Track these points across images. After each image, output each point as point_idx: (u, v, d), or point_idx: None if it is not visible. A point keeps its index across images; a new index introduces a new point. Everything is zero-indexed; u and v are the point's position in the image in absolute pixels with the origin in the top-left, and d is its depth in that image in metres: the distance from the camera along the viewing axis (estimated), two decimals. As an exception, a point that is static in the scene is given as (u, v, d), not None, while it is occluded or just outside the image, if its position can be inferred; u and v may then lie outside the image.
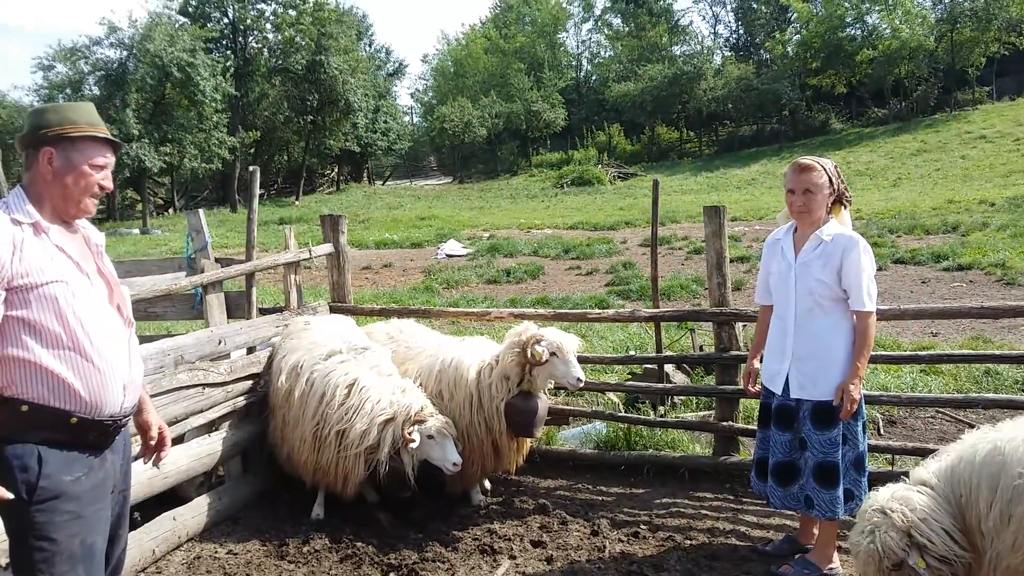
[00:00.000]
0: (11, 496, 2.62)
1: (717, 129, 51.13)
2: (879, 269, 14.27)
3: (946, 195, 24.12)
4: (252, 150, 39.36)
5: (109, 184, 2.92)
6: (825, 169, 4.27)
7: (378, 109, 45.39)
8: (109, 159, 2.90)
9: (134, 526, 4.61)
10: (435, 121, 49.97)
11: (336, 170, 48.52)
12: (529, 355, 4.94)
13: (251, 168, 5.82)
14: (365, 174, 51.46)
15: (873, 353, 5.44)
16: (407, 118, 60.09)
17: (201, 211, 6.10)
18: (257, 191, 5.69)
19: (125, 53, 34.24)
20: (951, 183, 28.27)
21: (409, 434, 4.73)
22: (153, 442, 3.22)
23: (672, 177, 39.81)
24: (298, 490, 5.39)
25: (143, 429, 3.21)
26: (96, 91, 33.75)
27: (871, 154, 37.42)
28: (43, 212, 2.81)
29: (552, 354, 4.95)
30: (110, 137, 2.89)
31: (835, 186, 4.31)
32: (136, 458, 3.78)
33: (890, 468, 5.35)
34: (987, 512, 3.15)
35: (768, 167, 38.73)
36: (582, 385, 5.02)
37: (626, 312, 5.99)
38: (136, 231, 29.55)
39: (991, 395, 5.39)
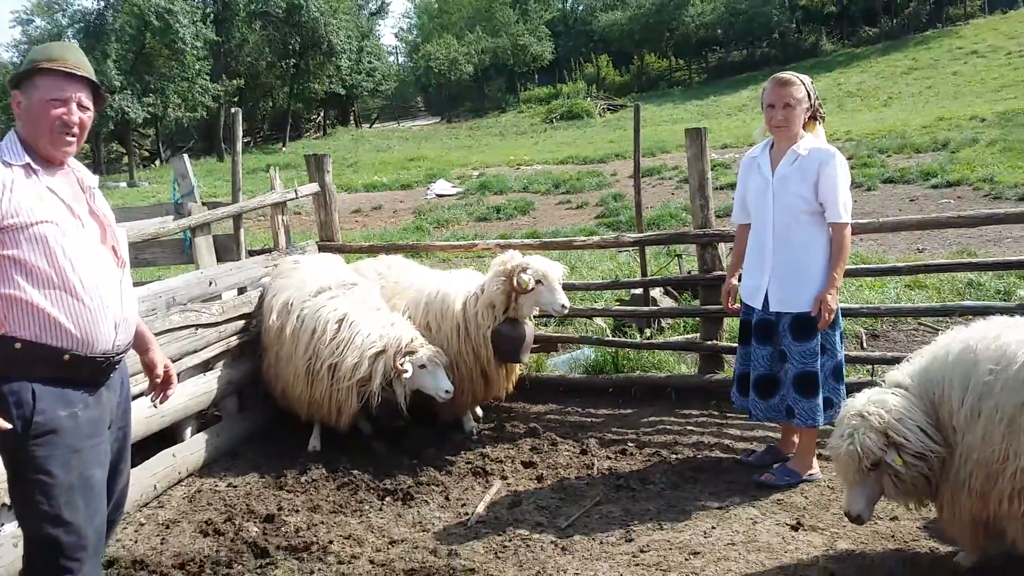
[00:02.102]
0: (8, 426, 2.72)
1: (706, 56, 50.43)
2: (868, 189, 14.37)
3: (937, 112, 23.97)
4: (236, 98, 38.79)
5: (71, 117, 2.87)
6: (803, 83, 4.34)
7: (362, 50, 44.59)
8: (69, 92, 2.87)
9: (134, 464, 4.77)
10: (420, 60, 49.23)
11: (322, 114, 47.93)
12: (515, 283, 5.02)
13: (233, 110, 5.82)
14: (352, 117, 50.80)
15: (855, 266, 5.58)
16: (392, 58, 59.09)
17: (186, 156, 6.13)
18: (240, 133, 5.72)
19: (103, 3, 33.63)
20: (942, 100, 28.07)
21: (401, 365, 4.84)
22: (159, 380, 3.30)
23: (662, 107, 39.43)
24: (294, 425, 5.52)
25: (149, 368, 3.29)
26: (76, 44, 33.19)
27: (862, 74, 37.02)
28: (33, 155, 2.86)
29: (538, 282, 5.03)
30: (66, 69, 2.85)
31: (811, 101, 4.37)
32: (142, 395, 3.93)
33: (870, 378, 5.48)
34: (959, 408, 3.28)
35: (758, 92, 37.64)
36: (567, 312, 5.12)
37: (611, 238, 6.09)
38: (123, 184, 29.31)
39: (968, 303, 5.50)
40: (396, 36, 67.49)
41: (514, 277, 5.04)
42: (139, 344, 3.28)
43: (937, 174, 14.67)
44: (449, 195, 19.93)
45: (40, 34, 34.18)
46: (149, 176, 33.11)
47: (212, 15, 36.78)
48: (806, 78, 4.38)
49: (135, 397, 3.76)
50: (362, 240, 13.05)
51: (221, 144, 37.29)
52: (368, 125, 51.41)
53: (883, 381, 3.61)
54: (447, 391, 4.94)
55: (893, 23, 44.62)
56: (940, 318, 6.34)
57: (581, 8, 57.49)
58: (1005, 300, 7.06)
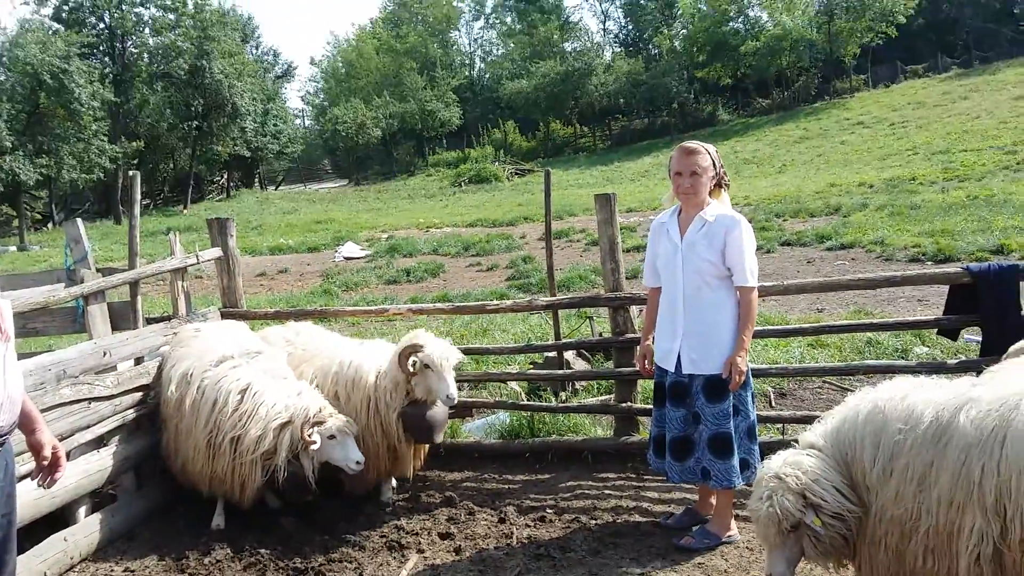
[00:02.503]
0: None
1: (610, 123, 52.01)
2: (767, 252, 14.86)
3: (828, 179, 25.17)
4: (136, 159, 37.78)
5: None
6: (709, 152, 4.46)
7: (267, 112, 44.33)
8: None
9: (22, 550, 4.41)
10: (328, 123, 49.20)
11: (226, 176, 47.15)
12: (405, 368, 4.95)
13: (131, 173, 5.61)
14: (257, 179, 50.20)
15: (761, 328, 5.69)
16: (299, 121, 58.93)
17: (80, 220, 5.85)
18: (138, 197, 5.50)
19: (-8, 61, 32.57)
20: (832, 167, 29.50)
21: (309, 436, 4.66)
22: (46, 462, 3.07)
23: (568, 171, 40.29)
24: (196, 502, 5.22)
25: (36, 449, 3.06)
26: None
27: (757, 143, 38.73)
28: None
29: (425, 366, 4.93)
30: None
31: (717, 169, 4.49)
32: (29, 476, 3.65)
33: (781, 437, 5.55)
34: (871, 467, 3.31)
35: (660, 159, 39.60)
36: (455, 402, 5.01)
37: (523, 301, 6.06)
38: (13, 248, 28.04)
39: (870, 362, 5.67)
40: (303, 99, 67.26)
41: (403, 360, 4.96)
42: (25, 423, 3.05)
43: (831, 237, 15.30)
44: (358, 258, 19.74)
45: (-74, 92, 32.73)
46: (41, 239, 31.81)
47: (111, 75, 35.96)
48: (711, 147, 4.52)
49: (21, 478, 3.50)
50: (268, 306, 12.82)
51: (119, 206, 36.19)
52: (274, 187, 50.86)
53: (796, 443, 3.63)
54: (358, 462, 4.76)
55: (785, 95, 47.03)
56: (844, 377, 6.49)
57: (488, 76, 58.69)
58: (903, 357, 7.32)
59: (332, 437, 4.75)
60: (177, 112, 37.98)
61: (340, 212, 33.19)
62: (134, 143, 36.38)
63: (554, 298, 6.05)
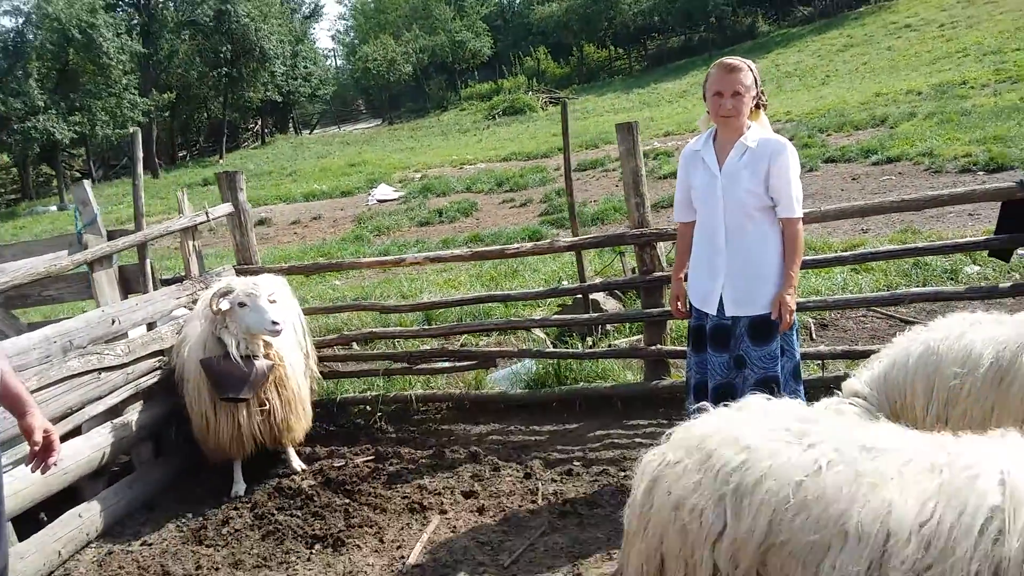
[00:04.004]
0: None
1: (645, 43, 50.48)
2: (810, 170, 14.27)
3: (874, 88, 24.10)
4: (167, 112, 37.76)
5: None
6: (751, 69, 4.01)
7: (296, 55, 43.77)
8: None
9: (39, 527, 4.35)
10: (358, 62, 48.55)
11: (260, 123, 46.95)
12: (213, 309, 4.70)
13: (132, 130, 5.38)
14: (291, 124, 49.98)
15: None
16: (329, 62, 58.22)
17: (87, 182, 5.67)
18: (140, 155, 5.29)
19: (21, 20, 32.44)
20: (878, 76, 28.26)
21: (216, 305, 4.62)
22: (37, 447, 2.92)
23: (603, 96, 39.33)
24: (217, 468, 5.14)
25: (26, 433, 2.91)
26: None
27: (799, 54, 37.26)
28: None
29: (241, 304, 4.67)
30: None
31: (757, 87, 4.07)
32: (25, 464, 3.52)
33: (822, 374, 5.26)
34: (923, 416, 3.04)
35: (699, 78, 38.10)
36: (280, 328, 4.65)
37: (544, 243, 5.75)
38: (53, 208, 28.30)
39: (916, 290, 5.29)
40: (333, 39, 66.52)
41: (212, 303, 4.71)
42: (15, 406, 2.90)
43: (877, 151, 14.62)
44: (391, 200, 19.48)
45: (-43, 57, 32.88)
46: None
47: (138, 27, 35.70)
48: (752, 63, 4.07)
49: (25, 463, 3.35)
50: (299, 256, 12.73)
51: (155, 160, 36.30)
52: (308, 131, 50.61)
53: (839, 390, 3.34)
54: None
55: (827, 1, 45.05)
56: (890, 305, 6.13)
57: (518, 1, 57.20)
58: (953, 279, 6.91)
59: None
60: (206, 60, 37.69)
61: (373, 153, 32.83)
62: (165, 94, 36.28)
63: (576, 238, 5.74)
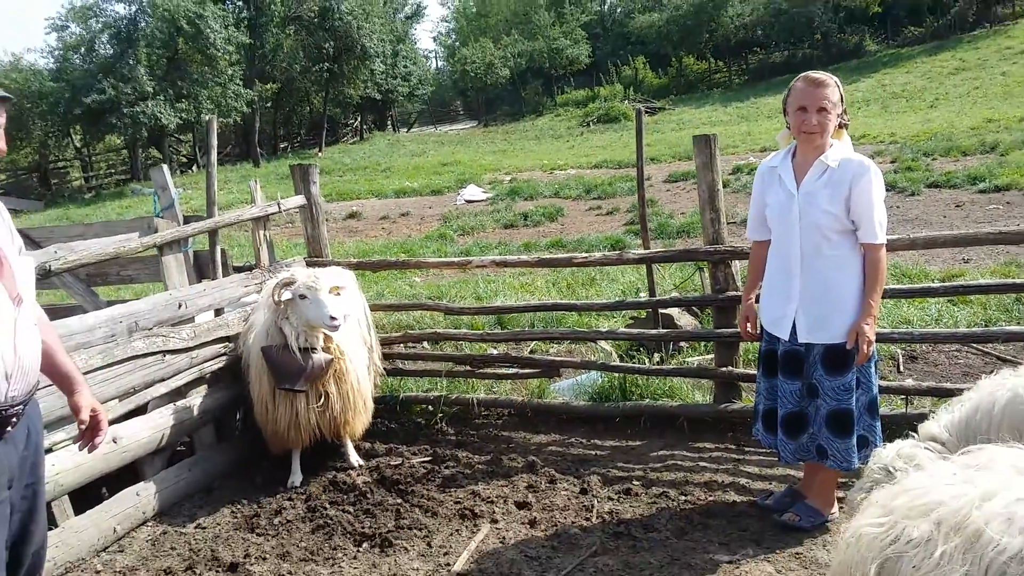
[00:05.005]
0: None
1: (747, 57, 49.43)
2: (911, 195, 13.68)
3: (985, 114, 23.00)
4: (269, 104, 38.75)
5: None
6: (838, 86, 3.83)
7: (397, 54, 44.40)
8: None
9: (99, 501, 4.42)
10: (457, 64, 49.02)
11: (359, 119, 47.84)
12: (275, 299, 4.68)
13: (207, 119, 5.45)
14: (389, 121, 50.75)
15: (892, 286, 5.05)
16: (430, 62, 59.02)
17: (165, 167, 5.77)
18: (215, 143, 5.34)
19: (135, 8, 33.77)
20: (990, 101, 26.98)
21: (278, 296, 4.62)
22: (84, 426, 2.93)
23: (700, 109, 38.69)
24: (278, 457, 5.16)
25: (74, 411, 2.93)
26: (109, 50, 33.44)
27: (907, 75, 35.91)
28: None
29: (301, 296, 4.61)
30: None
31: (842, 105, 3.87)
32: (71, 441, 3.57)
33: (905, 410, 4.96)
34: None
35: (800, 94, 37.46)
36: (338, 323, 4.56)
37: (613, 255, 5.60)
38: (153, 189, 29.37)
39: (1013, 327, 4.93)
40: (434, 40, 67.22)
41: (274, 294, 4.68)
42: (65, 385, 2.93)
43: (985, 178, 13.89)
44: (479, 201, 19.53)
45: (74, 40, 34.41)
46: (185, 182, 33.26)
47: (246, 20, 36.77)
48: (837, 79, 3.88)
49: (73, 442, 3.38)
50: (382, 251, 12.86)
51: (256, 149, 37.31)
52: (406, 129, 51.33)
53: (915, 432, 3.09)
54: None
55: (939, 23, 43.30)
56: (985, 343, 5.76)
57: (618, 10, 56.82)
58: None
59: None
60: (309, 55, 38.52)
61: (466, 154, 33.06)
62: (269, 86, 37.22)
63: (647, 251, 5.57)
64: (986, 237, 4.73)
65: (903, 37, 44.10)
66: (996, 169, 14.44)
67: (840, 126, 3.94)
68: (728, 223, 5.38)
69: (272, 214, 5.60)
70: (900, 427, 4.79)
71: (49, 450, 3.82)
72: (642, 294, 8.11)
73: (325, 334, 4.71)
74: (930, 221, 11.66)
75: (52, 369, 2.87)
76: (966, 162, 16.13)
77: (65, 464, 4.00)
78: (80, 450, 3.01)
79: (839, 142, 3.92)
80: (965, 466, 2.14)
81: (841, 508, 4.14)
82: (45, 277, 4.27)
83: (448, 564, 3.99)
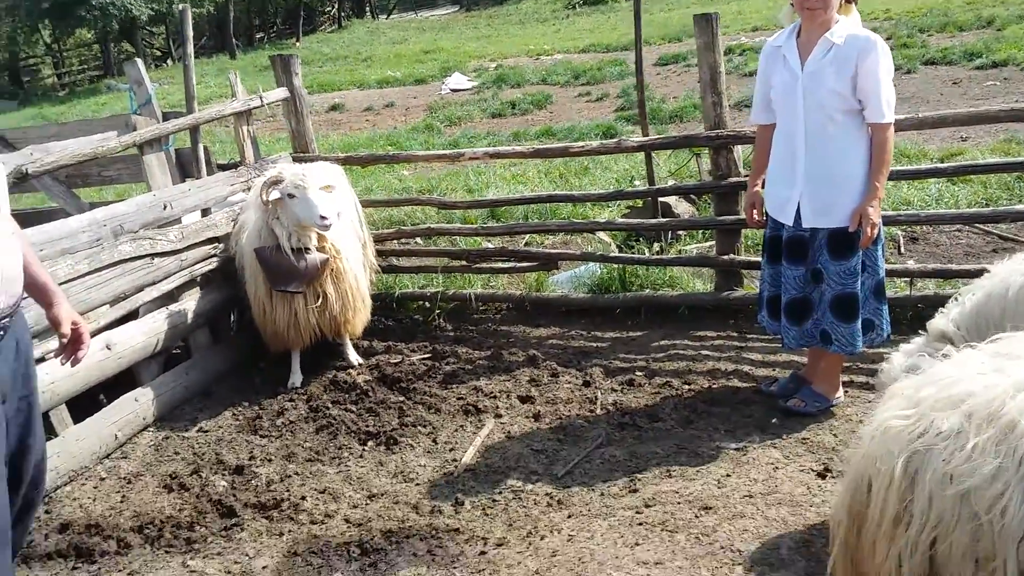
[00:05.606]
0: None
1: (737, -70, 47.72)
2: (907, 72, 13.37)
3: (983, -16, 22.37)
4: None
5: None
6: None
7: (373, -66, 42.63)
8: None
9: (98, 408, 4.37)
10: (436, -56, 47.18)
11: (336, 5, 46.23)
12: (263, 199, 4.51)
13: (181, 7, 5.16)
14: (367, 7, 49.07)
15: (893, 168, 4.92)
16: (408, -57, 56.55)
17: (139, 60, 5.51)
18: (190, 34, 5.08)
19: None
20: (989, -30, 26.21)
21: (266, 195, 4.48)
22: (65, 340, 2.84)
23: (690, -14, 37.48)
24: (275, 358, 5.10)
25: (54, 325, 2.84)
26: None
27: (902, -54, 34.76)
28: None
29: (290, 195, 4.45)
30: None
31: None
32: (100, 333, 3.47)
33: (908, 292, 4.92)
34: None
35: (791, -32, 36.25)
36: (328, 223, 4.42)
37: (611, 143, 5.42)
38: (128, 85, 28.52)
39: (1018, 207, 4.83)
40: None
41: (262, 193, 4.51)
42: (42, 297, 2.82)
43: (982, 53, 13.57)
44: (465, 89, 19.03)
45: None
46: (160, 76, 32.26)
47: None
48: None
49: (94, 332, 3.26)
50: (368, 144, 12.55)
51: (232, 42, 36.13)
52: (385, 16, 49.69)
53: (924, 331, 3.01)
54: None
55: None
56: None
57: None
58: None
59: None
60: (283, -64, 36.92)
61: (449, 40, 32.06)
62: (242, -28, 35.70)
63: (645, 138, 5.39)
64: (997, 114, 4.58)
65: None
66: (993, 44, 14.09)
67: (848, 0, 3.75)
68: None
69: (255, 108, 5.37)
70: (904, 309, 4.78)
71: (42, 359, 3.73)
72: (636, 182, 7.96)
73: (319, 233, 4.58)
74: (927, 99, 11.42)
75: (28, 281, 2.75)
76: (962, 37, 15.73)
77: (60, 372, 3.92)
78: (63, 364, 2.94)
79: (846, 18, 3.73)
80: (995, 354, 2.07)
81: (846, 392, 4.14)
82: (23, 180, 4.10)
83: (455, 460, 3.98)
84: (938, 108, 10.38)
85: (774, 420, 4.05)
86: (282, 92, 5.57)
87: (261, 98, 5.37)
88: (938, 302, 4.35)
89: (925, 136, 9.05)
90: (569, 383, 4.64)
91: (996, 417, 1.85)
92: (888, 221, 4.82)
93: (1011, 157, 6.70)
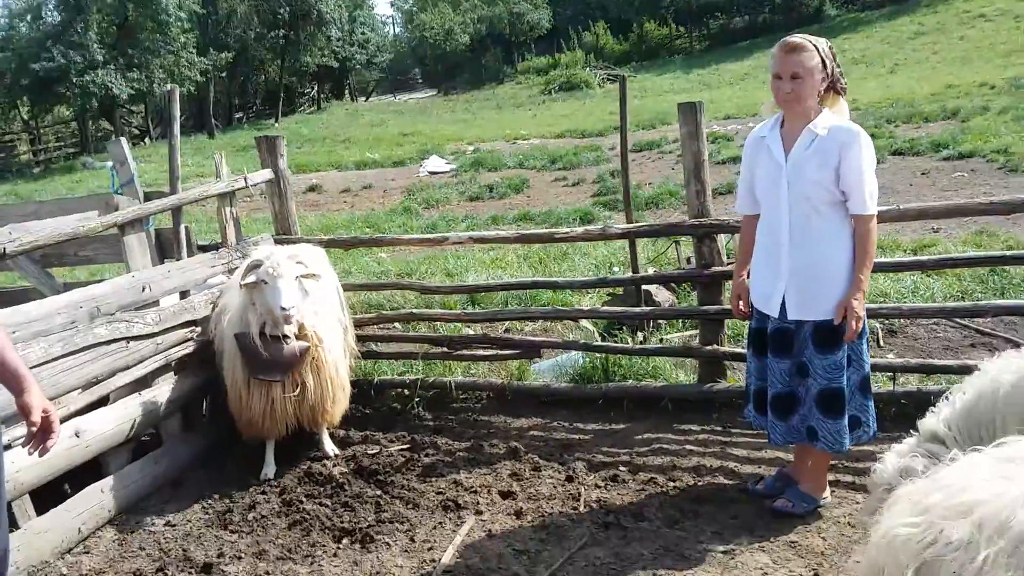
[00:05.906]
0: None
1: (708, 22, 49.36)
2: (877, 162, 13.66)
3: (945, 80, 23.16)
4: (224, 72, 37.71)
5: None
6: (818, 49, 3.63)
7: (354, 20, 43.57)
8: None
9: (62, 499, 4.19)
10: (415, 30, 48.26)
11: (316, 88, 46.98)
12: (241, 283, 4.46)
13: (169, 87, 5.16)
14: (347, 91, 49.88)
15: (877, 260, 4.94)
16: (387, 29, 58.01)
17: (123, 139, 5.48)
18: (177, 113, 5.06)
19: (82, -28, 32.54)
20: (950, 66, 27.21)
21: (244, 280, 4.39)
22: (35, 428, 2.72)
23: (662, 76, 38.55)
24: (249, 445, 4.94)
25: (24, 412, 2.72)
26: (56, 16, 32.24)
27: (867, 40, 36.07)
28: None
29: (264, 281, 4.38)
30: None
31: (828, 69, 3.68)
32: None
33: (892, 388, 4.89)
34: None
35: (762, 60, 37.33)
36: (289, 314, 4.33)
37: (596, 230, 5.42)
38: (110, 163, 28.56)
39: (1003, 302, 4.86)
40: (392, 5, 66.03)
41: (243, 277, 4.47)
42: (12, 384, 2.70)
43: (948, 145, 13.98)
44: (442, 172, 19.25)
45: (20, 8, 33.15)
46: (139, 155, 32.33)
47: (198, -15, 35.70)
48: (822, 42, 3.67)
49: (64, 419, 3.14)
50: (346, 225, 12.55)
51: (212, 121, 36.44)
52: (364, 99, 50.50)
53: (915, 431, 2.95)
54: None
55: (898, -13, 43.51)
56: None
57: (579, -26, 56.18)
58: (1035, 289, 6.45)
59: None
60: (264, 20, 37.59)
61: (427, 124, 32.59)
62: (223, 54, 36.24)
63: (630, 225, 5.41)
64: (976, 207, 4.64)
65: (862, 2, 44.29)
66: (959, 136, 14.52)
67: (834, 91, 3.78)
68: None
69: (239, 189, 5.33)
70: (888, 405, 4.75)
71: (8, 447, 3.57)
72: (615, 268, 7.98)
73: (298, 321, 4.48)
74: (897, 190, 11.66)
75: None
76: (929, 128, 16.21)
77: (25, 461, 3.75)
78: (30, 454, 2.80)
79: (831, 110, 3.77)
80: (1001, 459, 2.02)
81: (832, 492, 4.07)
82: (0, 260, 4.00)
83: (434, 560, 3.83)
84: (908, 199, 10.59)
85: (765, 513, 3.95)
86: (267, 173, 5.55)
87: (246, 179, 5.34)
88: (921, 398, 4.37)
89: (897, 227, 9.19)
90: (552, 478, 4.52)
91: (1007, 528, 1.80)
92: (870, 314, 4.81)
93: (986, 251, 6.78)
